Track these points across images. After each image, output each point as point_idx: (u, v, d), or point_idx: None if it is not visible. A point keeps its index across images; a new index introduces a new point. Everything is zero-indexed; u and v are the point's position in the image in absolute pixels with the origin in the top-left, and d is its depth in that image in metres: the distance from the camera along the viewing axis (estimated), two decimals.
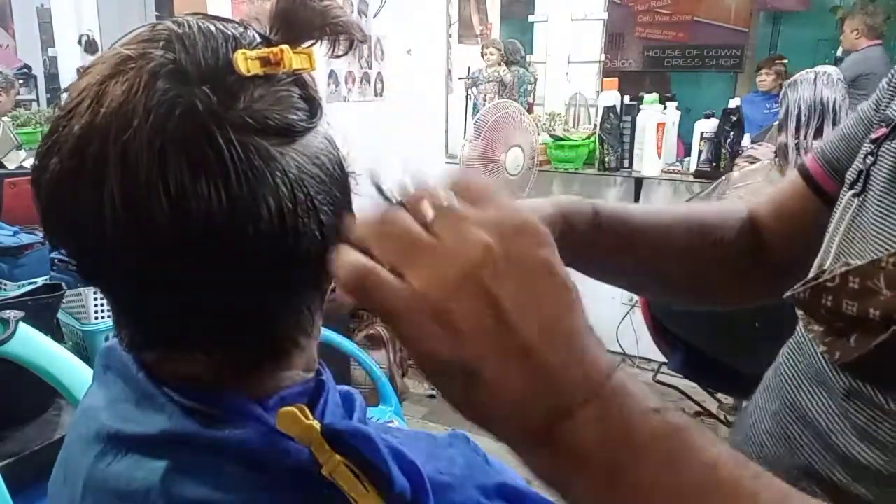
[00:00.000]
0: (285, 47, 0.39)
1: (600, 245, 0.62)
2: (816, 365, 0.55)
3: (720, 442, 0.34)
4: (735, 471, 0.32)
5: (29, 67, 4.82)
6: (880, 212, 0.52)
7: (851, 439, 0.50)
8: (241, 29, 0.40)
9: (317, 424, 0.39)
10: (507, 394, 0.32)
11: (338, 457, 0.39)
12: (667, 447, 0.32)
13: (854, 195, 0.55)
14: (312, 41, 0.41)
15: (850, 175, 0.57)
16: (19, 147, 2.95)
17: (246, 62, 0.37)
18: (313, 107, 0.41)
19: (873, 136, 0.57)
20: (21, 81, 4.18)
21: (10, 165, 2.88)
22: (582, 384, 0.32)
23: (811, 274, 0.55)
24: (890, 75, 0.61)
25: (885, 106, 0.59)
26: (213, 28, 0.39)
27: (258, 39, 0.40)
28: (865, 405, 0.50)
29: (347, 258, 0.33)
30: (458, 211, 0.33)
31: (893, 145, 0.53)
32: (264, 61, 0.38)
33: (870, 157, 0.55)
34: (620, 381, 0.33)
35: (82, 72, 0.39)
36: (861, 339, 0.48)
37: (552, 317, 0.33)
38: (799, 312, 0.56)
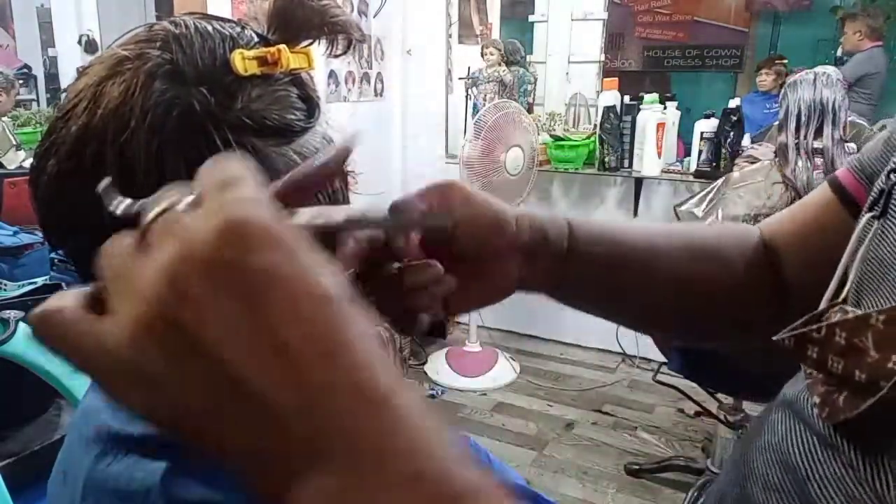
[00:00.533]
0: (283, 47, 0.39)
1: (582, 268, 0.52)
2: (805, 409, 0.51)
3: None
4: None
5: (29, 67, 4.81)
6: None
7: (829, 492, 0.46)
8: (238, 28, 0.40)
9: None
10: (235, 452, 0.24)
11: None
12: None
13: (873, 217, 0.48)
14: (310, 40, 0.41)
15: (872, 195, 0.50)
16: (18, 147, 2.95)
17: (243, 62, 0.37)
18: (311, 106, 0.41)
19: None
20: (21, 81, 4.18)
21: (10, 166, 2.88)
22: (325, 436, 0.23)
23: (822, 305, 0.49)
24: None
25: None
26: (210, 28, 0.39)
27: (256, 39, 0.40)
28: (843, 462, 0.46)
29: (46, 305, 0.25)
30: (174, 214, 0.25)
31: None
32: (262, 61, 0.38)
33: (893, 174, 0.48)
34: (378, 430, 0.23)
35: (80, 73, 0.39)
36: (849, 401, 0.44)
37: (300, 346, 0.23)
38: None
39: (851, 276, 0.49)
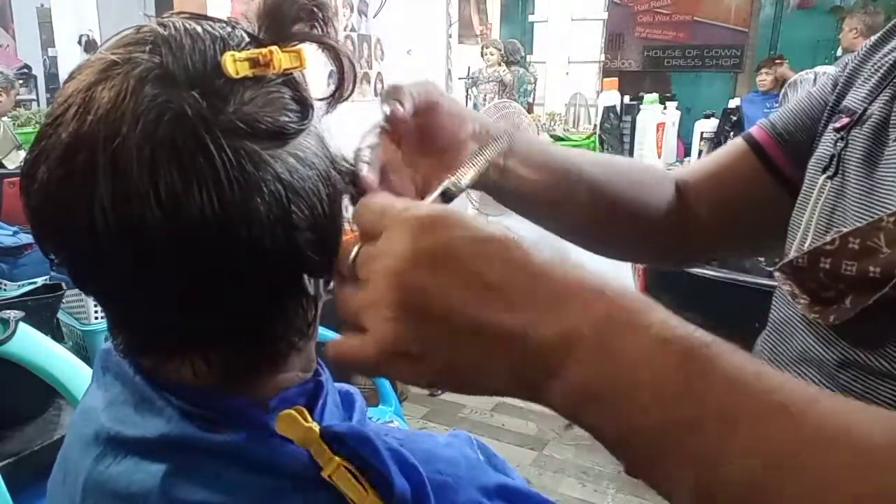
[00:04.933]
0: (274, 48, 0.38)
1: (519, 171, 0.59)
2: (802, 343, 0.55)
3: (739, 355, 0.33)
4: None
5: (29, 67, 4.82)
6: (861, 191, 0.53)
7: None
8: (228, 29, 0.39)
9: (315, 426, 0.39)
10: (490, 379, 0.33)
11: (337, 459, 0.38)
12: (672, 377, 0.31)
13: (828, 178, 0.56)
14: (301, 40, 0.41)
15: (822, 161, 0.58)
16: (19, 147, 2.96)
17: (234, 64, 0.36)
18: (305, 107, 0.40)
19: (837, 124, 0.58)
20: (21, 81, 4.18)
21: (10, 165, 2.88)
22: (560, 338, 0.31)
23: (792, 253, 0.56)
24: (844, 64, 0.62)
25: (842, 95, 0.60)
26: (199, 29, 0.38)
27: (246, 39, 0.39)
28: (860, 373, 0.49)
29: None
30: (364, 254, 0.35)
31: (862, 131, 0.55)
32: (253, 62, 0.37)
33: (840, 142, 0.57)
34: (603, 312, 0.32)
35: (67, 78, 0.38)
36: (857, 300, 0.49)
37: (499, 281, 0.32)
38: (785, 287, 0.57)
39: (812, 228, 0.56)
